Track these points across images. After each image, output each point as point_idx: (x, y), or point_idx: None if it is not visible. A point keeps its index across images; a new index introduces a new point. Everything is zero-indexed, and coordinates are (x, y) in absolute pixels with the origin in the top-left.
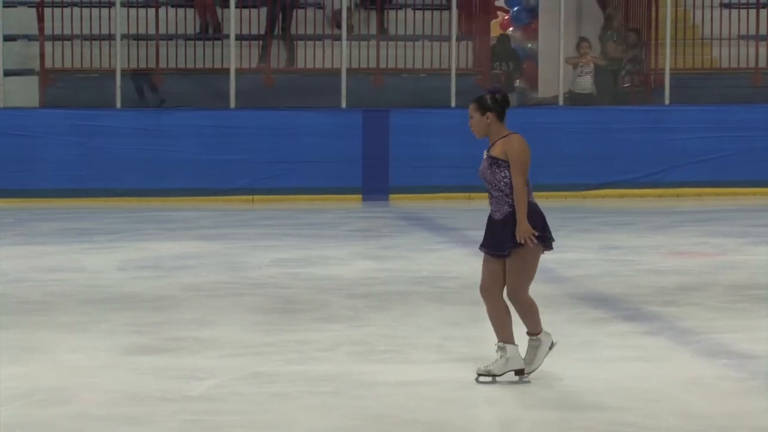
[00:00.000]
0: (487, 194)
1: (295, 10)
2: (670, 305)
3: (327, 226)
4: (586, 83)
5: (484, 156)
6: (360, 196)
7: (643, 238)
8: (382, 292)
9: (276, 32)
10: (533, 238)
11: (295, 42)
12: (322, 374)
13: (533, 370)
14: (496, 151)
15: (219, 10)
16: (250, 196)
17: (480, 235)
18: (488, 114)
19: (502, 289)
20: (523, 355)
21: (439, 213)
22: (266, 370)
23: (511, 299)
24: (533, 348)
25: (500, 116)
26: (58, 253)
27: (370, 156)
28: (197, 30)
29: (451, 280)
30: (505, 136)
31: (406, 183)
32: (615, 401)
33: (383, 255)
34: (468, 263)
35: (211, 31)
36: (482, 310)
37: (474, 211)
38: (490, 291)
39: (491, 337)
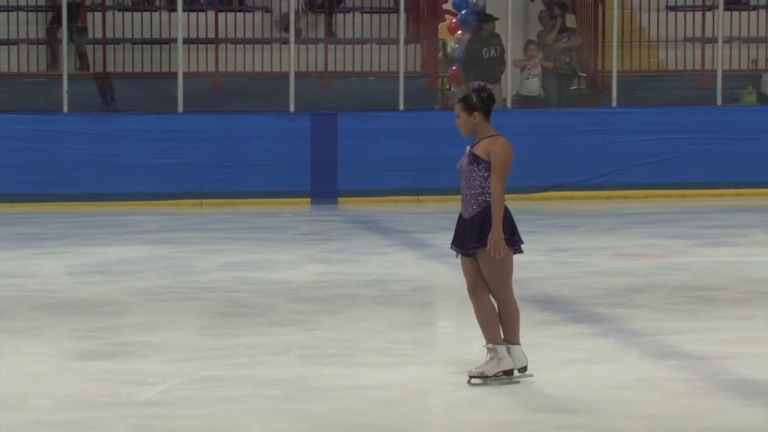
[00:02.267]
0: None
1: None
2: (618, 307)
3: (276, 230)
4: (533, 86)
5: (466, 151)
6: (309, 199)
7: (590, 240)
8: (331, 296)
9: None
10: (501, 251)
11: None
12: (271, 378)
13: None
14: (479, 150)
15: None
16: (199, 200)
17: (428, 238)
18: (475, 113)
19: (488, 289)
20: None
21: (388, 216)
22: (215, 375)
23: (494, 299)
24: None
25: (487, 115)
26: (7, 259)
27: (318, 159)
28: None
29: (399, 283)
30: (490, 137)
31: (354, 186)
32: (564, 403)
33: (332, 258)
34: (417, 266)
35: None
36: (430, 313)
37: (422, 214)
38: (476, 291)
39: (438, 339)
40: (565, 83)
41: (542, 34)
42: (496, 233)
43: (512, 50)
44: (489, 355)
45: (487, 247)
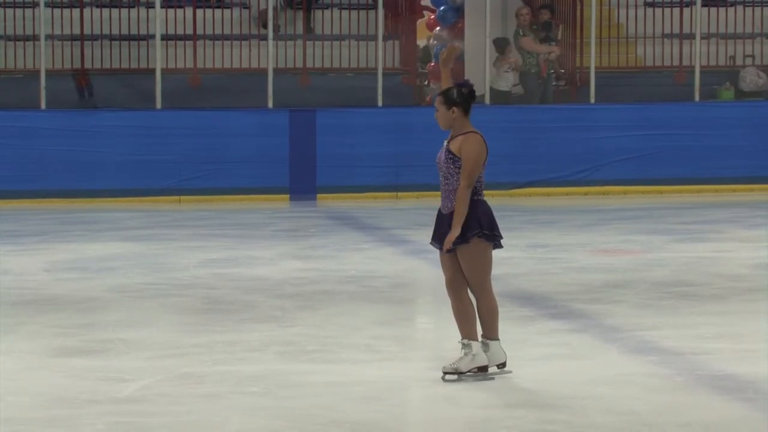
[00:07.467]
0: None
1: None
2: (596, 303)
3: (254, 226)
4: (508, 80)
5: (444, 145)
6: (287, 196)
7: (569, 236)
8: (310, 292)
9: None
10: (448, 246)
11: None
12: (251, 374)
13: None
14: (454, 147)
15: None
16: (177, 197)
17: (407, 234)
18: (454, 108)
19: (466, 285)
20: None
21: (367, 212)
22: (194, 371)
23: (473, 295)
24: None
25: (465, 111)
26: None
27: (297, 156)
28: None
29: (379, 279)
30: (465, 133)
31: (333, 182)
32: (543, 399)
33: (311, 255)
34: (396, 262)
35: None
36: (410, 309)
37: (401, 210)
38: (454, 287)
39: (417, 335)
40: (548, 83)
41: (518, 35)
42: (453, 232)
43: (489, 47)
44: (463, 351)
45: (443, 243)
